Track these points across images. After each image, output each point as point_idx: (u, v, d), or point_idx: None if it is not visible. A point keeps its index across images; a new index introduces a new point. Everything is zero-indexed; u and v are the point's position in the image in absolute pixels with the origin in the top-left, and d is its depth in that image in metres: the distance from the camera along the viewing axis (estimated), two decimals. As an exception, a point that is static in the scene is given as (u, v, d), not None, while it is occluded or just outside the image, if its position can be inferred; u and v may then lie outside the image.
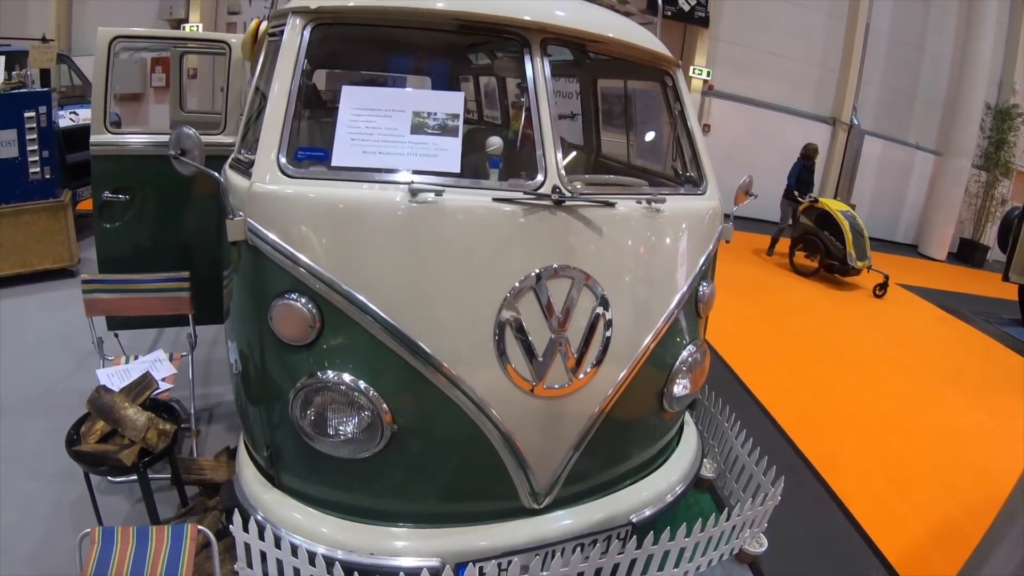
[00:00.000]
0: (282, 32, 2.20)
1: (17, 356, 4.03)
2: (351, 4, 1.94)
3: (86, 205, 6.40)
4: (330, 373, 1.75)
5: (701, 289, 2.27)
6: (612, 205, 1.87)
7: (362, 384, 1.74)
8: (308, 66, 1.94)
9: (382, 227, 1.70)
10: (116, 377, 2.81)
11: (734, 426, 3.03)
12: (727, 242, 2.40)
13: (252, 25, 2.94)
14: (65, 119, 5.98)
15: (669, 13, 10.08)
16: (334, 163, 1.77)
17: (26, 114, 4.92)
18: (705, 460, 3.00)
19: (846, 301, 7.88)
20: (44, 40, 5.21)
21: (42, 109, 4.99)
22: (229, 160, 2.22)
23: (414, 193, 1.67)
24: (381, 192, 1.72)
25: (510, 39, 1.95)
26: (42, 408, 3.45)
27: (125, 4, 11.00)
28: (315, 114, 2.83)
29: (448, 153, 1.76)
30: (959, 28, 12.92)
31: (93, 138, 3.12)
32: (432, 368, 1.73)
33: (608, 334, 1.91)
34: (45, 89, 5.24)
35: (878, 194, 13.35)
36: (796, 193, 8.70)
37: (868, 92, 12.71)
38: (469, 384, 1.76)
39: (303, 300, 1.73)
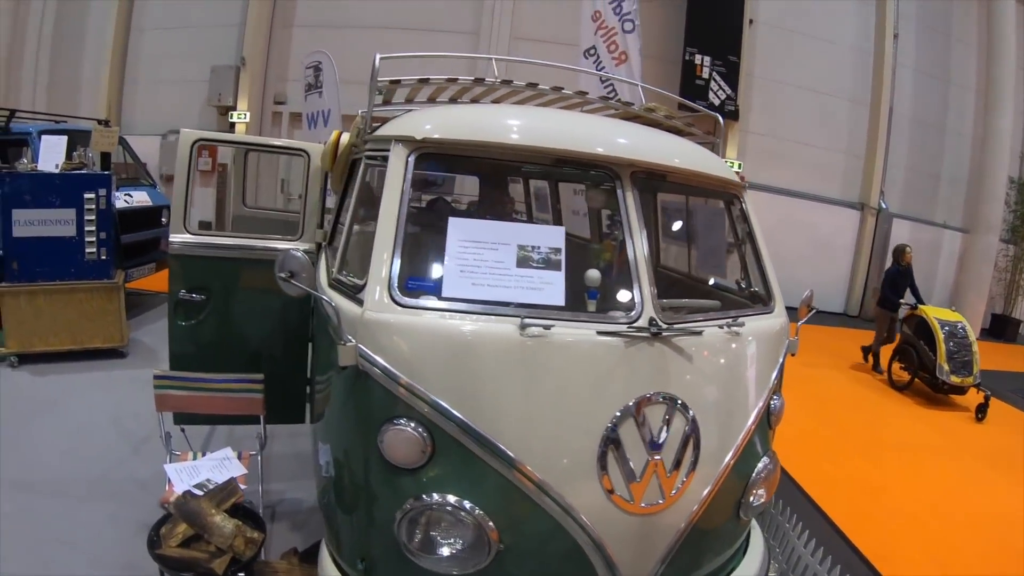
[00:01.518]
0: (378, 156, 2.37)
1: (70, 436, 4.10)
2: (454, 137, 2.11)
3: (136, 284, 6.60)
4: (436, 495, 1.82)
5: (773, 403, 2.35)
6: (700, 333, 1.98)
7: (468, 504, 1.81)
8: (412, 192, 2.08)
9: (493, 358, 1.81)
10: (185, 473, 2.87)
11: (795, 527, 3.05)
12: (792, 355, 2.50)
13: (332, 137, 3.14)
14: (120, 200, 6.23)
15: (701, 110, 10.45)
16: (444, 294, 1.89)
17: (86, 195, 5.16)
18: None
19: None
20: (105, 123, 5.51)
21: (102, 191, 5.24)
22: (326, 279, 2.35)
23: (524, 327, 1.79)
24: (491, 324, 1.83)
25: (601, 173, 2.11)
26: (100, 494, 3.49)
27: (174, 87, 11.57)
28: (420, 237, 3.01)
29: (552, 287, 1.89)
30: (979, 106, 13.30)
31: (173, 237, 3.28)
32: (538, 490, 1.80)
33: (697, 453, 1.98)
34: (106, 172, 5.51)
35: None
36: (893, 300, 7.92)
37: (894, 174, 12.98)
38: (572, 503, 1.82)
39: (414, 425, 1.82)
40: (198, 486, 2.58)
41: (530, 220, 4.75)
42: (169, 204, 7.49)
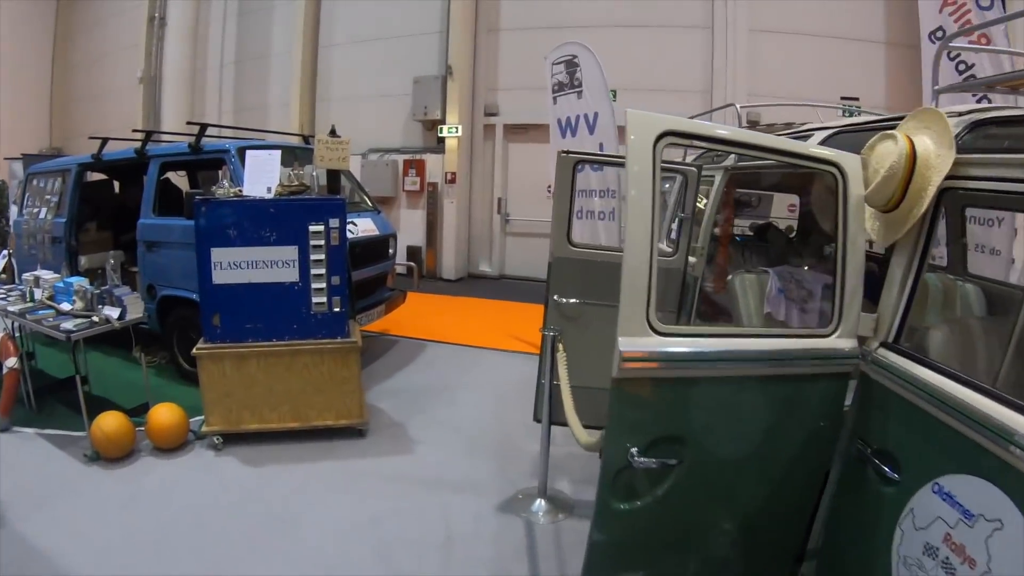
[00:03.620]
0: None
1: (307, 560, 2.69)
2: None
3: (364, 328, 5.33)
4: None
5: None
6: None
7: None
8: None
9: None
10: None
11: None
12: None
13: (904, 146, 1.38)
14: (344, 230, 5.00)
15: None
16: None
17: (312, 228, 3.86)
18: None
19: None
20: (331, 134, 4.26)
21: (333, 222, 3.91)
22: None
23: None
24: None
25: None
26: None
27: (372, 103, 10.80)
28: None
29: None
30: None
31: (627, 344, 1.61)
32: None
33: None
34: (337, 197, 4.19)
35: None
36: None
37: None
38: None
39: None
40: None
41: None
42: (395, 232, 6.44)
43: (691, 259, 3.37)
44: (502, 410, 4.58)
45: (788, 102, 5.85)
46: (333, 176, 4.43)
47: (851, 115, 9.02)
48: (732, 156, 3.17)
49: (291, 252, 3.85)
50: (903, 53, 9.18)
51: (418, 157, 10.29)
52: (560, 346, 2.93)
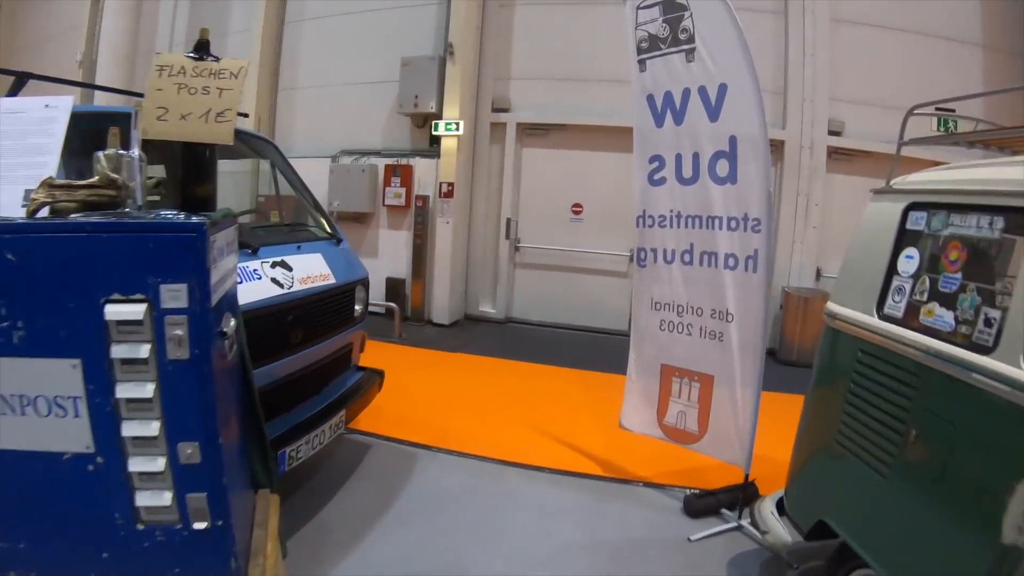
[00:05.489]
0: None
1: None
2: None
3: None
4: None
5: None
6: None
7: None
8: None
9: None
10: None
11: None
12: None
13: None
14: (263, 281, 2.60)
15: None
16: None
17: (111, 309, 1.43)
18: None
19: None
20: (201, 50, 1.86)
21: (170, 291, 1.45)
22: None
23: None
24: None
25: None
26: None
27: (348, 92, 8.41)
28: None
29: None
30: None
31: None
32: None
33: None
34: (192, 221, 1.74)
35: None
36: None
37: None
38: None
39: None
40: None
41: None
42: (365, 277, 2.85)
43: None
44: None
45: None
46: (193, 162, 2.06)
47: (947, 128, 7.17)
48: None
49: (66, 375, 1.40)
50: (1004, 60, 7.45)
51: (404, 162, 7.87)
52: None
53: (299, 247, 3.02)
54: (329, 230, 3.49)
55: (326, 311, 3.03)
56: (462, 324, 7.90)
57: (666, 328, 3.48)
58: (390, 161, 7.95)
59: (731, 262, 3.19)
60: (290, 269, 2.81)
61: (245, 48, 8.89)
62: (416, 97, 7.51)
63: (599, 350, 6.91)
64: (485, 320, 8.02)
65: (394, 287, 7.91)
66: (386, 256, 8.07)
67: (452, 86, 7.39)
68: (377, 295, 7.83)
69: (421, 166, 7.84)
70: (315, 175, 8.18)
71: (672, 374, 3.51)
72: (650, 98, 3.46)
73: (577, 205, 7.76)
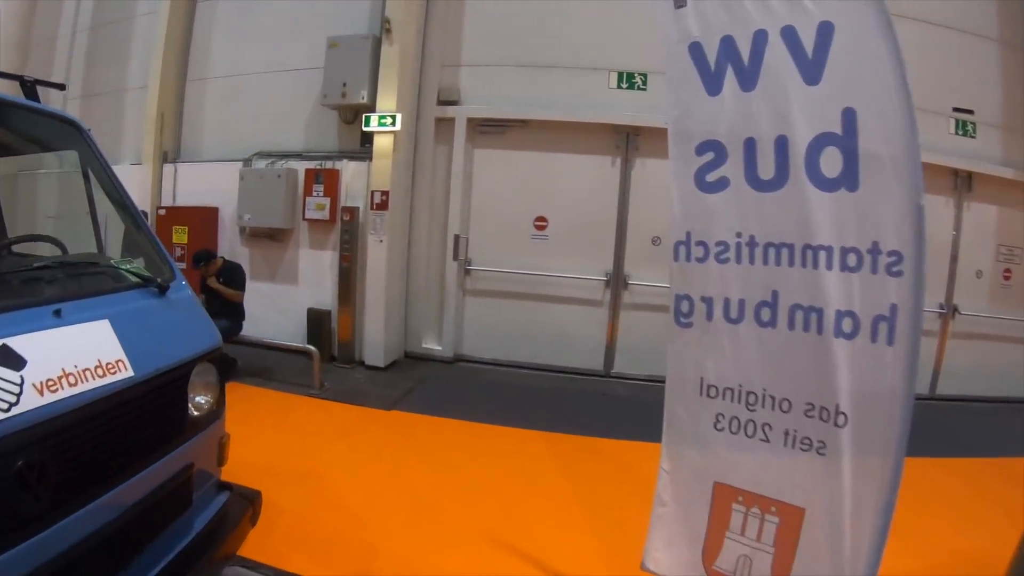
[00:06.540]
0: None
1: None
2: None
3: None
4: None
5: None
6: None
7: None
8: None
9: None
10: None
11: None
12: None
13: None
14: None
15: None
16: None
17: None
18: None
19: None
20: None
21: None
22: None
23: None
24: None
25: None
26: None
27: (264, 81, 6.88)
28: None
29: None
30: None
31: None
32: None
33: None
34: None
35: None
36: None
37: None
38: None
39: None
40: None
41: None
42: (215, 346, 1.47)
43: None
44: None
45: None
46: None
47: (964, 132, 6.71)
48: None
49: None
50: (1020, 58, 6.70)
51: (329, 165, 6.36)
52: None
53: (58, 311, 1.54)
54: (145, 272, 1.99)
55: (117, 429, 1.56)
56: (401, 365, 6.41)
57: (725, 427, 2.14)
58: (312, 165, 6.43)
59: (847, 324, 1.87)
60: (18, 365, 1.34)
61: (151, 33, 7.27)
62: (344, 85, 6.03)
63: (571, 398, 5.61)
64: (429, 359, 6.56)
65: (318, 320, 6.38)
66: (307, 282, 6.55)
67: (388, 72, 5.94)
68: (297, 332, 6.36)
69: (350, 170, 6.36)
70: (222, 183, 6.66)
71: (732, 499, 2.17)
72: (695, 48, 2.13)
73: (540, 219, 6.41)
